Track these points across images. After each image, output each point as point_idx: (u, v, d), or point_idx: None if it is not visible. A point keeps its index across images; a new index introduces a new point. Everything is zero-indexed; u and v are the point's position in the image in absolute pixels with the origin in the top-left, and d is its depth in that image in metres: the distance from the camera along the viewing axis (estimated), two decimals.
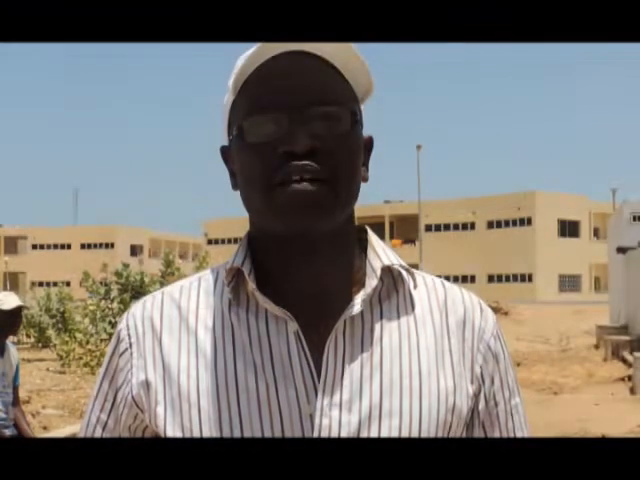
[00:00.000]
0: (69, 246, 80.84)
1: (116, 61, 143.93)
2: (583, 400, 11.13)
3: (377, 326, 1.06)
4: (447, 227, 61.55)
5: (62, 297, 16.56)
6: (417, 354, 1.06)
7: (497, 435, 1.11)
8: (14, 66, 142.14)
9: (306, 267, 1.05)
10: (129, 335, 1.09)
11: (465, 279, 57.50)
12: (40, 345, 17.52)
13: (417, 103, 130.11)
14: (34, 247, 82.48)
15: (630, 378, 12.54)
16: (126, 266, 12.18)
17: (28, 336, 18.70)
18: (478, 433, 1.10)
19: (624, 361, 14.94)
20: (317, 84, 1.02)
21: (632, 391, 11.86)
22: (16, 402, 4.85)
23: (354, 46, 1.02)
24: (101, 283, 12.47)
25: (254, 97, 1.02)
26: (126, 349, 1.08)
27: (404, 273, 1.09)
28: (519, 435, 1.13)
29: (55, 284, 20.42)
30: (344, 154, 1.02)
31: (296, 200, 0.98)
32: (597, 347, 18.29)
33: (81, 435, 1.14)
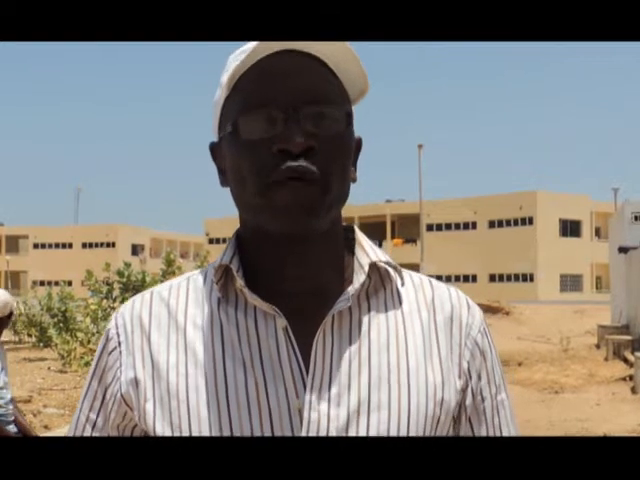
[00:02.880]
0: (70, 245, 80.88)
1: (117, 60, 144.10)
2: (584, 400, 11.13)
3: (365, 321, 1.06)
4: (448, 226, 61.48)
5: (63, 296, 16.51)
6: (405, 349, 1.06)
7: (484, 430, 1.12)
8: (15, 65, 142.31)
9: (296, 265, 1.05)
10: (118, 334, 1.09)
11: (466, 278, 57.51)
12: (41, 344, 17.52)
13: (418, 102, 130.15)
14: (35, 246, 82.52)
15: (631, 378, 12.54)
16: (128, 265, 12.15)
17: (29, 335, 18.70)
18: (465, 428, 1.11)
19: (625, 361, 14.93)
20: (313, 83, 1.02)
21: (633, 391, 11.85)
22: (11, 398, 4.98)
23: (349, 46, 1.02)
24: (104, 282, 12.43)
25: (249, 93, 1.02)
26: (115, 347, 1.09)
27: (391, 270, 1.10)
28: (505, 430, 1.14)
29: (56, 283, 20.43)
30: (338, 154, 1.02)
31: (290, 201, 0.99)
32: (598, 347, 18.28)
33: (70, 434, 1.14)
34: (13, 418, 4.85)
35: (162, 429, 1.03)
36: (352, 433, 1.01)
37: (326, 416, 1.00)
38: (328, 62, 1.04)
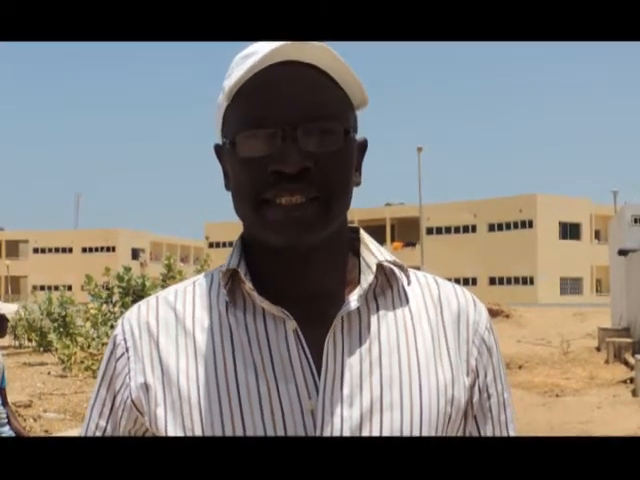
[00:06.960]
0: (70, 250, 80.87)
1: (117, 62, 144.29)
2: (585, 402, 11.12)
3: (374, 321, 1.07)
4: (448, 230, 61.53)
5: (63, 301, 16.54)
6: (415, 347, 1.07)
7: (489, 427, 1.12)
8: (15, 67, 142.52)
9: (301, 271, 1.06)
10: (125, 340, 1.09)
11: (466, 282, 57.45)
12: (41, 349, 17.55)
13: (418, 104, 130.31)
14: (35, 251, 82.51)
15: (632, 380, 12.53)
16: (128, 270, 12.15)
17: (30, 340, 18.71)
18: (470, 425, 1.11)
19: (626, 363, 14.92)
20: (312, 97, 1.01)
21: (634, 393, 11.84)
22: (5, 402, 5.09)
23: (344, 62, 1.02)
24: (104, 287, 12.43)
25: (248, 109, 1.02)
26: (123, 353, 1.08)
27: (396, 270, 1.10)
28: (511, 427, 1.15)
29: (56, 288, 20.44)
30: (336, 171, 1.02)
31: (283, 218, 0.99)
32: (599, 349, 18.26)
33: None
34: (7, 421, 4.97)
35: (174, 433, 1.03)
36: (365, 433, 1.01)
37: (339, 417, 1.01)
38: (331, 72, 1.03)
